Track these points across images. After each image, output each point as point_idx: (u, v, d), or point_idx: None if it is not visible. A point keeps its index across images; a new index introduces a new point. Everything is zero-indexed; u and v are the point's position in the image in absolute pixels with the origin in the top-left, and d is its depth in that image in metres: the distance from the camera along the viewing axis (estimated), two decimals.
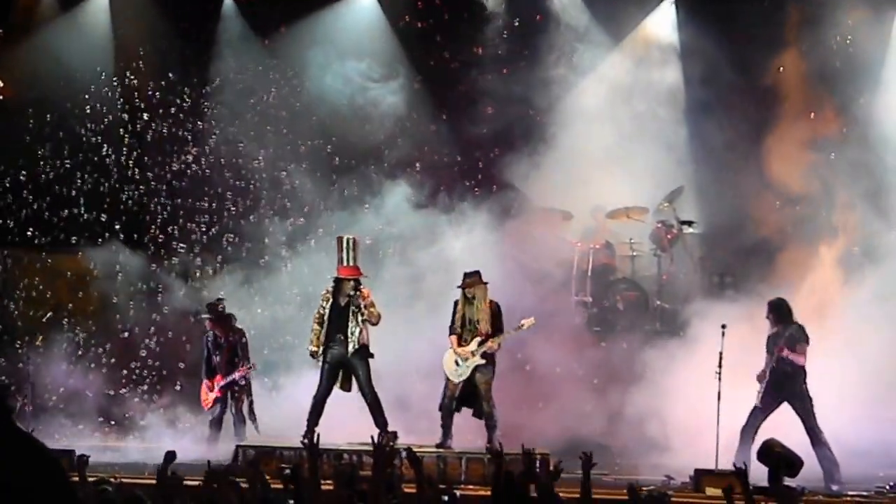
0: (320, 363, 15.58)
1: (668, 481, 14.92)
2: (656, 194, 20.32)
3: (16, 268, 20.37)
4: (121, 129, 20.74)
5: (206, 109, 20.91)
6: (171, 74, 20.89)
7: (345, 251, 15.49)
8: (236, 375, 17.15)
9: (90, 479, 9.34)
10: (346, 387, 15.71)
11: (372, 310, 15.37)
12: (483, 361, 15.41)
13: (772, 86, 20.03)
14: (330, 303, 15.48)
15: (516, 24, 20.90)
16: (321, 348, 15.49)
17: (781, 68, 19.95)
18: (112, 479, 10.22)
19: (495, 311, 15.56)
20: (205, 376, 17.43)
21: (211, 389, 17.26)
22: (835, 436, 15.55)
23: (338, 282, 15.54)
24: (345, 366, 15.52)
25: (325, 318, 15.45)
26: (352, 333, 15.34)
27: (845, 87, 19.99)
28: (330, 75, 20.78)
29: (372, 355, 15.58)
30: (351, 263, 15.43)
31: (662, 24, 21.03)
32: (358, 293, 15.38)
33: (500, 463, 8.92)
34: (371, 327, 15.56)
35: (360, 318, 15.33)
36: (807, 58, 19.95)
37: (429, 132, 20.90)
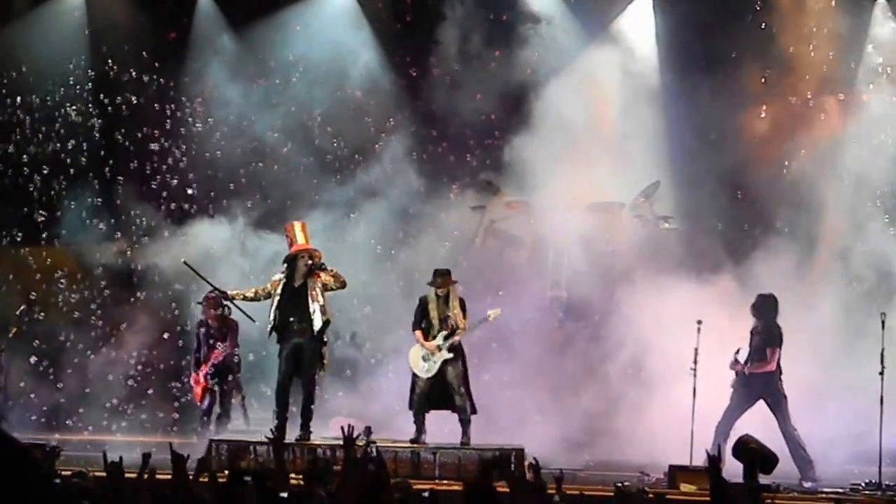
0: (278, 349, 15.36)
1: (643, 477, 14.91)
2: (633, 189, 20.29)
3: None
4: (95, 120, 20.65)
5: (181, 101, 20.86)
6: (145, 65, 20.82)
7: (294, 233, 15.32)
8: (212, 359, 17.00)
9: (64, 473, 9.28)
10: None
11: (336, 273, 15.18)
12: (451, 356, 15.35)
13: (750, 80, 20.06)
14: (282, 286, 15.24)
15: (493, 17, 20.87)
16: (278, 332, 15.23)
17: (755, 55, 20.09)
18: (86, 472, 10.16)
19: (463, 307, 15.54)
20: (193, 369, 17.34)
21: (198, 382, 17.15)
22: (808, 432, 15.61)
23: (291, 264, 15.29)
24: (303, 349, 15.20)
25: (276, 301, 15.19)
26: (313, 314, 15.08)
27: (825, 75, 20.06)
28: (305, 68, 20.79)
29: (325, 339, 15.37)
30: (302, 241, 15.27)
31: (639, 18, 21.01)
32: (321, 266, 15.13)
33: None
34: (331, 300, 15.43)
35: (319, 296, 15.13)
36: (785, 48, 20.04)
37: (403, 126, 20.86)
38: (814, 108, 20.03)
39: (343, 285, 15.38)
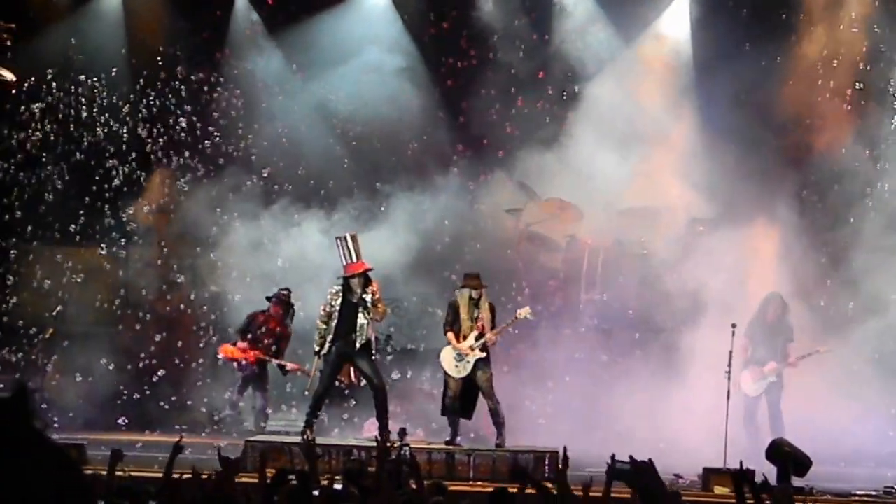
0: (323, 359, 15.52)
1: (677, 480, 14.89)
2: (667, 193, 20.21)
3: (24, 262, 20.39)
4: (133, 122, 20.73)
5: (218, 102, 20.95)
6: (184, 66, 20.90)
7: (345, 249, 15.41)
8: (291, 366, 17.35)
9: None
10: (353, 382, 15.80)
11: (380, 306, 15.33)
12: (483, 356, 15.41)
13: (787, 83, 20.05)
14: (341, 300, 15.42)
15: (529, 19, 20.90)
16: (327, 346, 15.46)
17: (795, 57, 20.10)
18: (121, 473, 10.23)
19: (493, 311, 15.61)
20: (240, 338, 17.69)
21: (245, 352, 17.43)
22: (841, 435, 15.64)
23: (346, 279, 15.47)
24: (349, 361, 15.45)
25: (335, 315, 15.39)
26: (360, 328, 15.27)
27: (861, 76, 20.05)
28: (341, 70, 20.86)
29: (375, 353, 15.62)
30: (356, 259, 15.37)
31: (676, 21, 20.98)
32: (368, 289, 15.33)
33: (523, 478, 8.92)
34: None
35: (368, 313, 15.30)
36: (820, 53, 20.04)
37: (438, 127, 20.92)
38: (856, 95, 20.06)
39: (382, 318, 15.68)
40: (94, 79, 20.65)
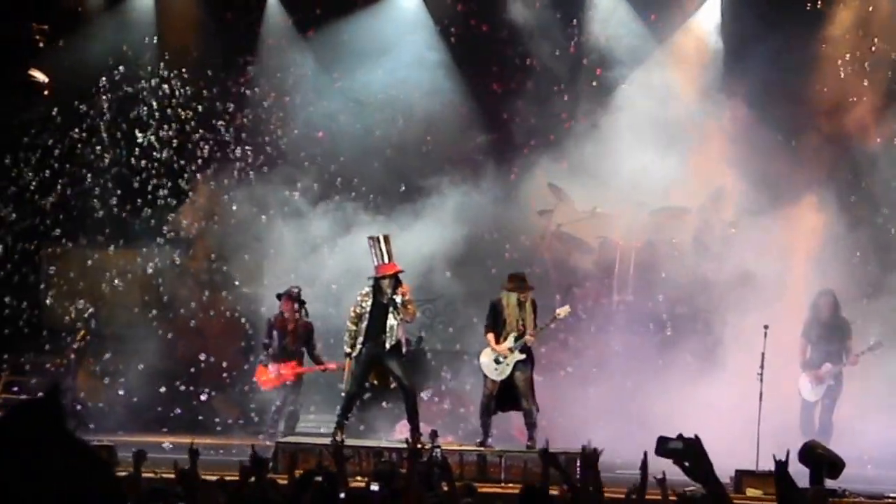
0: (354, 360, 15.53)
1: None
2: (700, 193, 20.17)
3: (55, 264, 20.48)
4: (164, 123, 20.79)
5: (249, 104, 20.99)
6: (216, 66, 20.97)
7: (377, 249, 15.40)
8: (330, 367, 17.27)
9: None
10: (384, 383, 15.80)
11: (410, 307, 15.34)
12: (523, 357, 15.37)
13: (817, 84, 19.97)
14: (371, 301, 15.43)
15: (560, 15, 20.88)
16: (357, 347, 15.47)
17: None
18: (153, 475, 10.29)
19: (535, 309, 15.55)
20: (264, 360, 17.57)
21: (282, 375, 17.35)
22: (874, 438, 15.63)
23: (377, 280, 15.48)
24: (379, 362, 15.46)
25: (366, 316, 15.41)
26: (390, 329, 15.25)
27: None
28: (371, 73, 20.89)
29: (405, 353, 15.61)
30: (387, 260, 15.36)
31: (707, 23, 20.93)
32: (399, 290, 15.34)
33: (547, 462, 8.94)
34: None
35: (398, 314, 15.32)
36: (852, 54, 19.97)
37: (468, 129, 20.94)
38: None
39: (412, 319, 15.65)
40: (131, 81, 20.74)
